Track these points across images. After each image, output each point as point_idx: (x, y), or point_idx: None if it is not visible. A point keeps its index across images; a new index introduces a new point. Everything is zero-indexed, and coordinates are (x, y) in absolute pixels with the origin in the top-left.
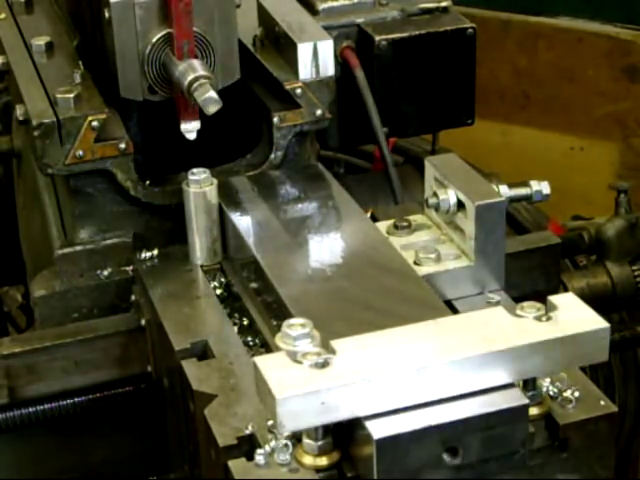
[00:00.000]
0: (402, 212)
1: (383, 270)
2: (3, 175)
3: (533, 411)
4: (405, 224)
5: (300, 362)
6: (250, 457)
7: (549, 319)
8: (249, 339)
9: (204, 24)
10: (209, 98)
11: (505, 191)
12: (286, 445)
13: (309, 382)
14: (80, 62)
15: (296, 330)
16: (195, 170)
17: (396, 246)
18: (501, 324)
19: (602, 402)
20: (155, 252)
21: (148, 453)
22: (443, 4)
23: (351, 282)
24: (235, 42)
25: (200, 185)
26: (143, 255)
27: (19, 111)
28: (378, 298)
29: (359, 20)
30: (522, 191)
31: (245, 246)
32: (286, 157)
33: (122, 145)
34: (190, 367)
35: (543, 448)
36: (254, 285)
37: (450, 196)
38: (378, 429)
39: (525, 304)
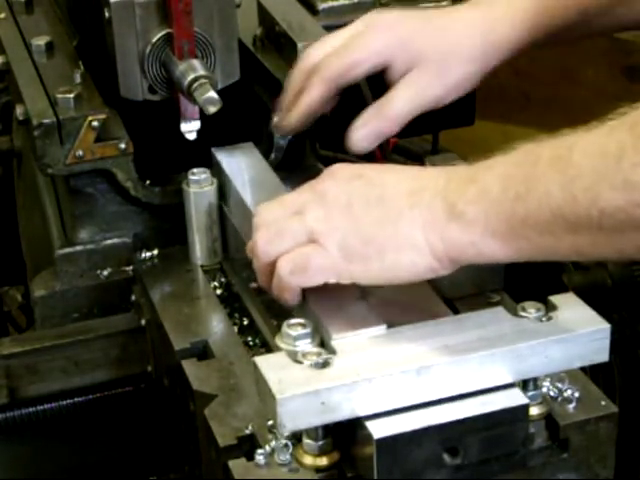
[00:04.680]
0: None
1: None
2: (3, 175)
3: (533, 411)
4: None
5: (300, 362)
6: (250, 457)
7: (549, 319)
8: (249, 339)
9: (204, 24)
10: (209, 98)
11: None
12: (286, 445)
13: (309, 382)
14: (80, 62)
15: (296, 330)
16: (195, 170)
17: None
18: (501, 324)
19: (603, 402)
20: (155, 252)
21: (148, 453)
22: (443, 4)
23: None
24: (235, 42)
25: (200, 185)
26: (143, 255)
27: (19, 111)
28: (378, 298)
29: None
30: None
31: (245, 246)
32: (286, 157)
33: (122, 145)
34: (190, 367)
35: (543, 448)
36: (254, 285)
37: None
38: (378, 429)
39: (525, 304)
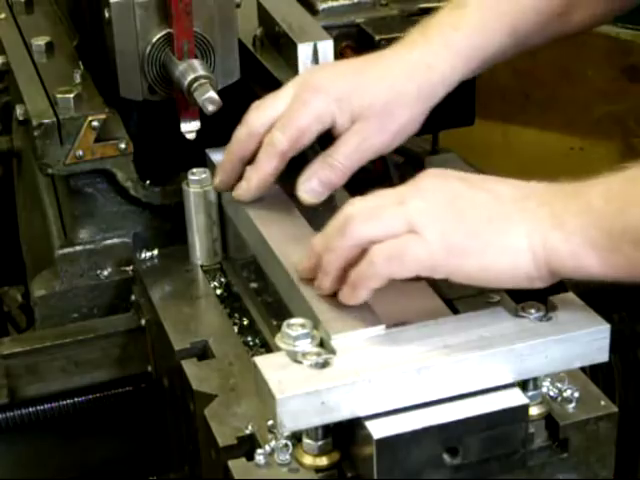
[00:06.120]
0: None
1: None
2: (3, 175)
3: (533, 411)
4: None
5: (300, 362)
6: (250, 457)
7: (549, 319)
8: (249, 339)
9: (204, 24)
10: (209, 98)
11: None
12: (286, 445)
13: (309, 382)
14: (80, 62)
15: (296, 330)
16: (195, 170)
17: None
18: (501, 324)
19: (602, 402)
20: (155, 252)
21: (148, 453)
22: (442, 4)
23: None
24: (235, 42)
25: (200, 185)
26: (143, 255)
27: (19, 111)
28: (378, 298)
29: (359, 20)
30: None
31: (245, 246)
32: None
33: (122, 145)
34: (190, 367)
35: (543, 448)
36: (254, 285)
37: None
38: (378, 429)
39: (525, 304)
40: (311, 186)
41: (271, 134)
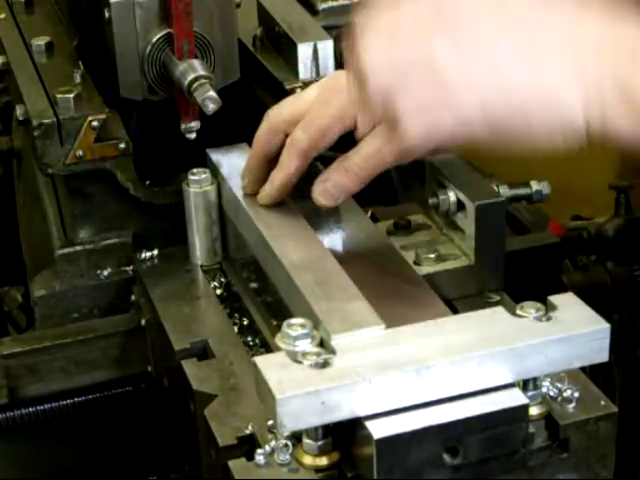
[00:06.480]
0: (402, 212)
1: (383, 270)
2: (3, 175)
3: (533, 411)
4: (405, 224)
5: (300, 362)
6: (250, 457)
7: (549, 319)
8: (249, 339)
9: (204, 24)
10: (209, 98)
11: (505, 191)
12: (286, 445)
13: (309, 382)
14: (80, 62)
15: (296, 330)
16: (195, 170)
17: (396, 246)
18: (501, 324)
19: (602, 402)
20: (155, 252)
21: (148, 453)
22: None
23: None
24: (235, 42)
25: (200, 185)
26: (143, 255)
27: (19, 111)
28: (378, 298)
29: None
30: (522, 191)
31: (245, 246)
32: None
33: (122, 145)
34: (190, 367)
35: (543, 448)
36: (254, 285)
37: (450, 196)
38: (378, 429)
39: (525, 304)
40: (325, 188)
41: (293, 134)
